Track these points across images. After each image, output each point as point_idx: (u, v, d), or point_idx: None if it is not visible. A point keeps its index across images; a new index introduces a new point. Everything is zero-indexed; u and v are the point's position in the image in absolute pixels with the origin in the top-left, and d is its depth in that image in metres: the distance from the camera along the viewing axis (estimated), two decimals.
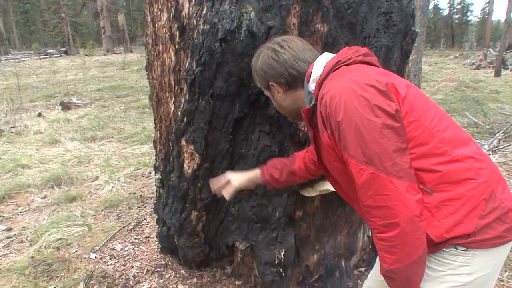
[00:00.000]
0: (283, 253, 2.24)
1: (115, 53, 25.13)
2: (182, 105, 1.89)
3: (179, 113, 1.93)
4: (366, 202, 1.03)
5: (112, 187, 3.91)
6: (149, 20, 2.07)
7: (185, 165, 2.02)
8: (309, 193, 2.24)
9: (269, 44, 1.31)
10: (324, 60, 1.21)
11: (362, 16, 1.91)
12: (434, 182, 1.03)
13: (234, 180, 1.71)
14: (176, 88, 1.94)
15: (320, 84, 1.14)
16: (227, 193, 1.71)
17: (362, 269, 2.66)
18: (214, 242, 2.42)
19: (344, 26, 1.88)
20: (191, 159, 1.98)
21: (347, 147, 1.02)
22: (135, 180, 4.17)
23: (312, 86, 1.20)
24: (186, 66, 1.80)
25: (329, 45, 1.88)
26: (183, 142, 1.95)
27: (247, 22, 1.64)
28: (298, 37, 1.38)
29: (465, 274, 1.08)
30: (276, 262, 2.22)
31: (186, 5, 1.75)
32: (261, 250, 2.23)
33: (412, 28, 2.27)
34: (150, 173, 4.33)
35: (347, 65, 1.13)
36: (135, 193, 3.64)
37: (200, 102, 1.82)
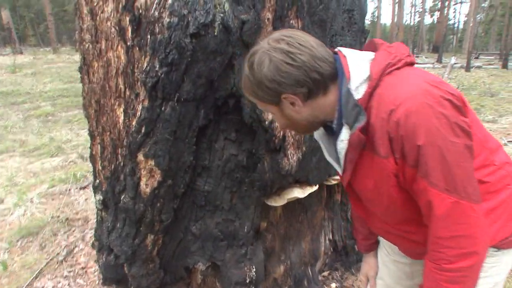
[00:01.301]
0: (254, 270, 2.05)
1: (1, 55, 22.16)
2: (138, 114, 1.59)
3: (133, 123, 1.62)
4: (440, 233, 0.90)
5: (25, 210, 3.31)
6: (85, 11, 1.71)
7: (142, 183, 1.71)
8: (276, 202, 2.08)
9: (272, 45, 0.97)
10: (358, 59, 0.98)
11: (332, 12, 1.81)
12: (481, 193, 0.95)
13: (361, 274, 1.56)
14: (127, 93, 1.63)
15: (370, 93, 0.92)
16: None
17: (326, 273, 2.59)
18: (170, 265, 2.13)
19: (315, 22, 1.75)
20: (150, 177, 1.68)
21: (429, 175, 0.86)
22: (53, 199, 3.60)
23: (357, 95, 0.94)
24: (145, 67, 1.50)
25: None
26: (140, 157, 1.64)
27: (221, 15, 1.42)
28: (299, 30, 1.19)
29: (495, 275, 1.08)
30: (247, 281, 2.02)
31: None
32: (229, 269, 2.02)
33: (365, 27, 2.25)
34: (69, 190, 3.78)
35: (398, 68, 0.94)
36: (58, 216, 3.12)
37: (163, 109, 1.54)
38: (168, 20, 1.39)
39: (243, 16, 1.50)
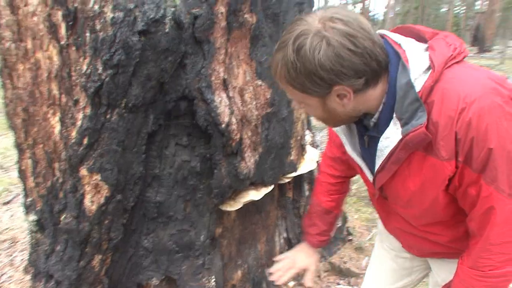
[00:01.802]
0: (213, 279, 1.95)
1: None
2: (79, 123, 1.39)
3: (73, 133, 1.42)
4: (494, 239, 0.85)
5: None
6: (3, 3, 1.46)
7: (87, 201, 1.52)
8: (232, 206, 1.99)
9: (327, 25, 0.78)
10: (413, 47, 0.86)
11: (285, 5, 1.74)
12: None
13: (297, 262, 1.38)
14: (64, 100, 1.42)
15: (431, 87, 0.81)
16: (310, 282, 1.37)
17: None
18: (121, 284, 1.95)
19: (268, 16, 1.67)
20: (96, 193, 1.49)
21: (497, 180, 0.79)
22: None
23: (417, 86, 0.82)
24: (84, 69, 1.31)
25: (256, 39, 1.65)
26: (83, 171, 1.45)
27: (173, 9, 1.28)
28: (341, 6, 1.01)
29: None
30: None
31: None
32: (187, 283, 1.89)
33: None
34: None
35: (457, 62, 0.84)
36: None
37: (109, 117, 1.36)
38: (111, 15, 1.22)
39: (195, 10, 1.37)
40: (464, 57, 0.85)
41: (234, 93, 1.61)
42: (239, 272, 2.23)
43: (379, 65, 0.81)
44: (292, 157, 2.23)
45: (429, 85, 0.81)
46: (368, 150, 0.99)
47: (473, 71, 0.83)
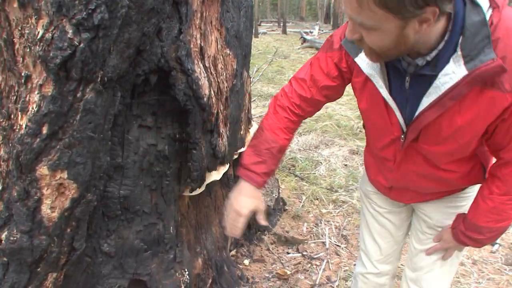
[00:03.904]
0: (186, 273, 1.76)
1: None
2: (34, 107, 1.05)
3: (23, 122, 1.07)
4: None
5: None
6: None
7: (45, 208, 1.18)
8: (196, 190, 1.81)
9: None
10: None
11: None
12: None
13: (243, 208, 1.18)
14: (3, 76, 1.05)
15: (497, 25, 0.83)
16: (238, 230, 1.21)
17: (233, 252, 2.47)
18: None
19: None
20: (59, 195, 1.17)
21: None
22: None
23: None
24: (41, 34, 0.98)
25: (223, 3, 1.47)
26: (42, 170, 1.10)
27: None
28: None
29: None
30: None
31: None
32: (160, 282, 1.67)
33: None
34: None
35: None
36: None
37: (80, 95, 1.05)
38: None
39: None
40: None
41: (209, 62, 1.42)
42: (200, 260, 2.07)
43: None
44: (242, 132, 2.12)
45: (496, 23, 0.83)
46: (407, 91, 0.99)
47: None
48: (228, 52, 1.54)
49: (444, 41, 0.87)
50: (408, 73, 0.96)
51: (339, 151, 4.08)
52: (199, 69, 1.34)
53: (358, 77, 1.09)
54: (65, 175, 1.13)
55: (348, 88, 1.21)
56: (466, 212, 1.17)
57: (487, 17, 0.83)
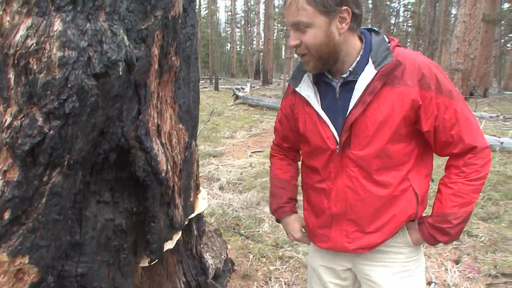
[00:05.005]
0: None
1: None
2: None
3: None
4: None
5: None
6: None
7: None
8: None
9: None
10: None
11: (194, 48, 1.74)
12: None
13: (295, 234, 1.47)
14: None
15: (393, 48, 1.19)
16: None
17: None
18: None
19: (184, 59, 1.65)
20: (16, 282, 1.13)
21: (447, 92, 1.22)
22: None
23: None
24: (9, 121, 1.01)
25: (177, 82, 1.59)
26: (1, 256, 1.08)
27: (125, 49, 1.13)
28: None
29: None
30: None
31: None
32: None
33: None
34: None
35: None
36: None
37: (46, 179, 1.07)
38: (60, 54, 0.99)
39: (136, 51, 1.25)
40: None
41: (165, 139, 1.51)
42: None
43: (361, 18, 1.18)
44: (191, 198, 2.18)
45: (393, 46, 1.20)
46: (338, 101, 1.24)
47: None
48: (181, 126, 1.65)
49: (360, 55, 1.20)
50: (338, 84, 1.24)
51: None
52: (157, 146, 1.42)
53: (297, 108, 1.35)
54: (26, 260, 1.11)
55: None
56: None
57: (386, 40, 1.21)
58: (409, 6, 36.94)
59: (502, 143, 6.13)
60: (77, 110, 1.04)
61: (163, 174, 1.44)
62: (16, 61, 1.00)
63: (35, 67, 1.00)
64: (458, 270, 2.89)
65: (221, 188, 4.87)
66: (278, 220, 1.51)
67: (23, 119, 1.01)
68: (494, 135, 6.76)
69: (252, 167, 5.58)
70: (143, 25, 1.29)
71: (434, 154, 1.32)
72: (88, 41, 1.03)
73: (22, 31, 0.99)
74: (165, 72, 1.44)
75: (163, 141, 1.49)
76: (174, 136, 1.58)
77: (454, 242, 3.17)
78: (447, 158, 1.28)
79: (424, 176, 1.29)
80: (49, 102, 1.00)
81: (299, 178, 1.51)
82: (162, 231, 1.54)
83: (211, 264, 2.64)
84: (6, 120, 1.02)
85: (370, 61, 1.18)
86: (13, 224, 1.07)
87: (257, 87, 20.75)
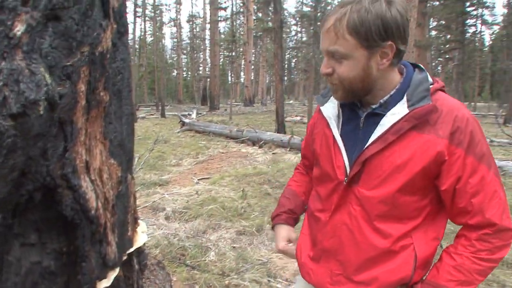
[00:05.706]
0: None
1: None
2: None
3: None
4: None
5: None
6: None
7: None
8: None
9: None
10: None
11: (126, 82, 1.73)
12: None
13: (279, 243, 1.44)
14: None
15: (435, 90, 1.11)
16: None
17: None
18: None
19: (115, 93, 1.63)
20: None
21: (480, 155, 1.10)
22: None
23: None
24: None
25: (107, 117, 1.57)
26: None
27: (46, 88, 1.11)
28: None
29: None
30: None
31: None
32: None
33: None
34: None
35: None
36: None
37: None
38: None
39: (60, 88, 1.23)
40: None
41: (95, 175, 1.47)
42: None
43: (404, 53, 1.10)
44: (129, 233, 2.12)
45: (434, 89, 1.11)
46: (360, 131, 1.16)
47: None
48: (113, 161, 1.62)
49: (396, 89, 1.12)
50: (364, 114, 1.16)
51: (227, 233, 4.21)
52: (85, 183, 1.38)
53: (317, 128, 1.31)
54: None
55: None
56: None
57: (429, 80, 1.12)
58: None
59: None
60: None
61: (92, 211, 1.40)
62: None
63: None
64: None
65: (166, 217, 4.77)
66: (272, 228, 1.52)
67: None
68: None
69: (199, 194, 5.53)
70: (68, 62, 1.28)
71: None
72: (3, 81, 1.01)
73: None
74: (93, 107, 1.42)
75: (93, 177, 1.45)
76: (105, 172, 1.55)
77: None
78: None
79: (432, 238, 1.14)
80: None
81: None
82: (94, 270, 1.48)
83: None
84: None
85: (405, 98, 1.08)
86: None
87: (204, 112, 20.78)
